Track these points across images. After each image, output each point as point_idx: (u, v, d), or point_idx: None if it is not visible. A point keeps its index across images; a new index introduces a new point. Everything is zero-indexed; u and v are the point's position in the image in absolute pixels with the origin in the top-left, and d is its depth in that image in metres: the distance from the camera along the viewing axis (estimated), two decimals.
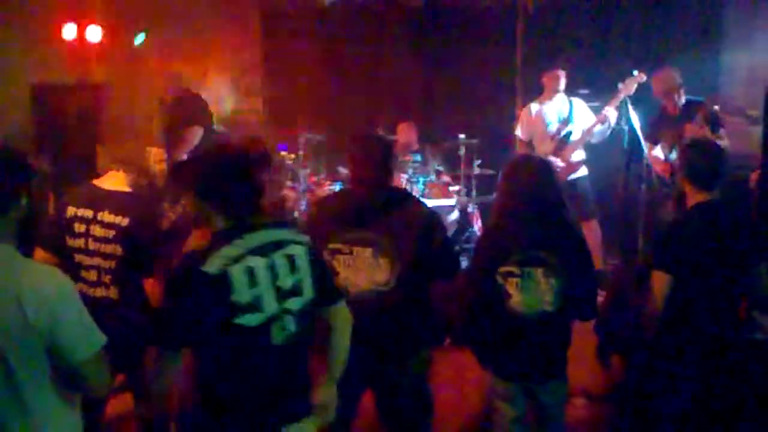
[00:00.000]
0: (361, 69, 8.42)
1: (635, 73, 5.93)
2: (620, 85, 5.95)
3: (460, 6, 8.14)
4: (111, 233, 3.26)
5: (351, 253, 3.09)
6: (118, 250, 3.27)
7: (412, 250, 3.07)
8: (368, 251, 3.07)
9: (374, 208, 3.13)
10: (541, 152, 6.35)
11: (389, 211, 3.12)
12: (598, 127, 6.28)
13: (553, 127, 6.52)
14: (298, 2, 8.11)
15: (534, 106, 6.66)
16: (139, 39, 7.47)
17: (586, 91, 6.51)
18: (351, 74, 8.37)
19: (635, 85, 5.91)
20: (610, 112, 6.08)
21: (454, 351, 4.67)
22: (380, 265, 3.07)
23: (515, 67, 7.89)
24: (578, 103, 6.52)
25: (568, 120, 6.48)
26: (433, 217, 3.29)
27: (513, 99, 7.91)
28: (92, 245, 3.28)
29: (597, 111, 6.36)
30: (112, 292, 3.31)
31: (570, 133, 6.46)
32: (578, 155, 6.48)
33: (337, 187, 6.82)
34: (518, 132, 6.81)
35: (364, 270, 3.08)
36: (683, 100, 5.63)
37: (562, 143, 6.46)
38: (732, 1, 7.32)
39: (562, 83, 6.47)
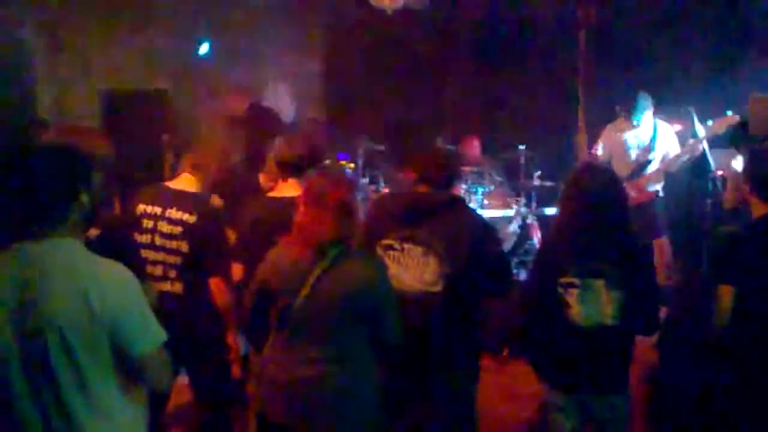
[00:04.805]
0: (423, 80, 8.43)
1: (729, 113, 5.68)
2: (710, 123, 5.71)
3: (521, 18, 8.10)
4: (177, 229, 3.33)
5: (402, 249, 3.10)
6: (184, 246, 3.34)
7: (463, 254, 3.04)
8: (419, 249, 3.08)
9: (430, 208, 3.14)
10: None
11: (444, 213, 3.13)
12: (682, 158, 6.01)
13: (632, 153, 6.18)
14: (361, 13, 8.18)
15: (615, 129, 6.31)
16: (203, 48, 7.63)
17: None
18: (412, 85, 8.39)
19: (726, 127, 5.68)
20: (696, 147, 5.82)
21: (511, 362, 4.62)
22: (429, 264, 3.06)
23: (577, 78, 7.80)
24: (663, 127, 6.17)
25: (649, 148, 6.13)
26: (488, 228, 3.28)
27: (575, 111, 7.81)
28: (158, 241, 3.36)
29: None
30: (177, 287, 3.38)
31: (649, 162, 6.13)
32: (654, 185, 6.17)
33: None
34: (599, 150, 6.44)
35: (413, 268, 3.08)
36: None
37: (638, 171, 6.14)
38: None
39: (649, 116, 6.11)
